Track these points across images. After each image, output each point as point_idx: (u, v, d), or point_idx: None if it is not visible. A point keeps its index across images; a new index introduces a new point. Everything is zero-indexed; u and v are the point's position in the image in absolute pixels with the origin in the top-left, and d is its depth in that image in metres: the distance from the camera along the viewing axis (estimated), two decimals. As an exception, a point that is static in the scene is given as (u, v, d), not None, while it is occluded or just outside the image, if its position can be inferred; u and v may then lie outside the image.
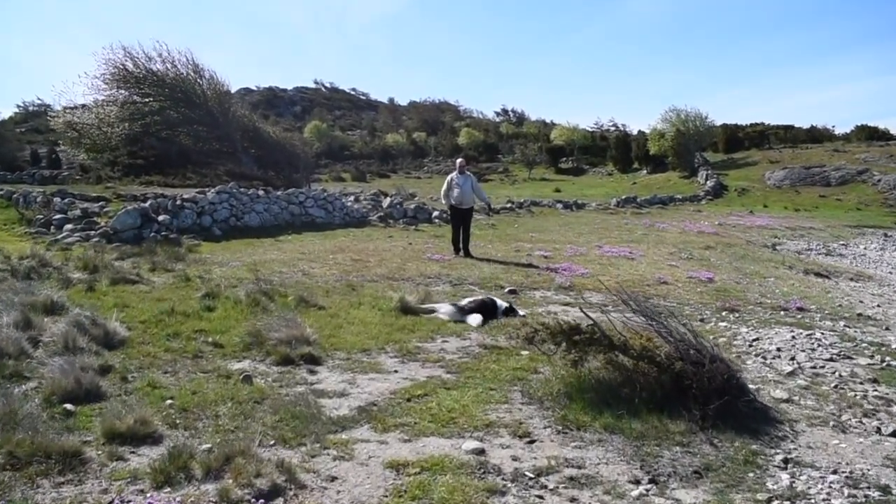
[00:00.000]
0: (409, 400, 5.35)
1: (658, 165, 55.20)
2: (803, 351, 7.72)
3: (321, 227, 20.18)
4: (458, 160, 15.14)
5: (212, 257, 13.87)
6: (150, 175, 32.61)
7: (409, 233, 19.48)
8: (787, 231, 25.91)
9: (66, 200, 20.03)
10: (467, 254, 14.57)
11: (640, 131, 66.36)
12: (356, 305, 9.22)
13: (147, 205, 17.79)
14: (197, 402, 5.17)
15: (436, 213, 22.69)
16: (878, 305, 11.45)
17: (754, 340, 8.10)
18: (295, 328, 6.98)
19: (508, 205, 28.36)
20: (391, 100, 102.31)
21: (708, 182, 46.02)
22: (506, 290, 10.77)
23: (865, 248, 24.18)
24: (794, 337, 8.26)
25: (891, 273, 18.43)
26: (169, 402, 5.17)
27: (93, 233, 16.01)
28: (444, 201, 15.20)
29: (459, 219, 14.73)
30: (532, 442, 4.57)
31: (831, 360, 7.36)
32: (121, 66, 34.59)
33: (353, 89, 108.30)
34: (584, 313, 5.20)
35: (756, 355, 7.37)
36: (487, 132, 75.32)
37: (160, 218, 17.26)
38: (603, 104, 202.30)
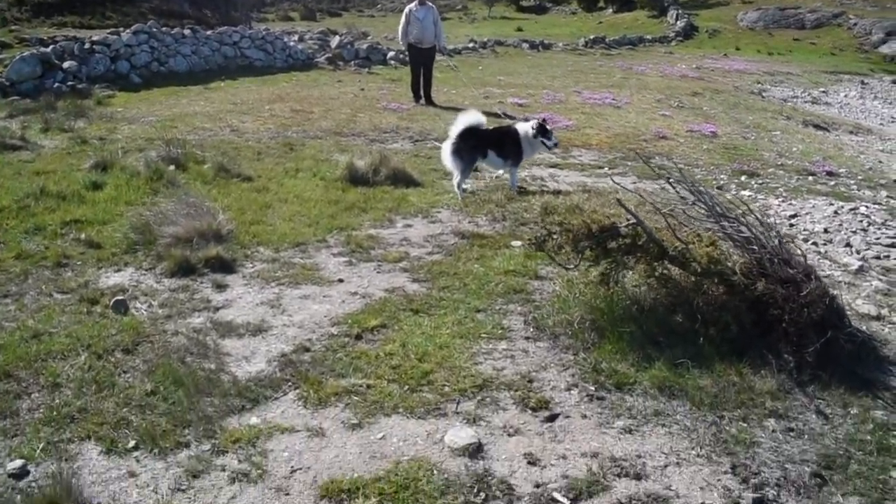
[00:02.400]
0: (358, 337, 3.62)
1: (625, 4, 51.90)
2: (855, 233, 6.18)
3: (260, 71, 17.47)
4: (417, -13, 12.56)
5: (124, 111, 11.45)
6: (63, 15, 28.49)
7: (361, 76, 16.96)
8: (766, 76, 24.21)
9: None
10: (429, 101, 12.42)
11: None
12: (292, 173, 7.26)
13: (49, 49, 14.84)
14: (33, 356, 3.36)
15: (391, 54, 20.03)
16: (899, 165, 9.97)
17: (792, 217, 6.51)
18: (202, 216, 5.06)
19: (471, 45, 25.60)
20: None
21: (678, 22, 43.45)
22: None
23: (846, 96, 22.93)
24: (836, 213, 6.70)
25: (882, 125, 17.12)
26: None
27: (-18, 83, 13.23)
28: (401, 40, 12.73)
29: (419, 60, 12.38)
30: (553, 419, 2.94)
31: (893, 245, 5.85)
32: None
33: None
34: (623, 205, 3.40)
35: (803, 240, 5.80)
36: (444, -36, 69.69)
37: (66, 65, 14.38)
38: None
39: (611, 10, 52.74)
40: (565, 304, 3.73)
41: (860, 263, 5.19)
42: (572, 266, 3.69)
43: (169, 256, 4.61)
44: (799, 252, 3.58)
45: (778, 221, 6.25)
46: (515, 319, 3.83)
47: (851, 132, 14.07)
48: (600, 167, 8.17)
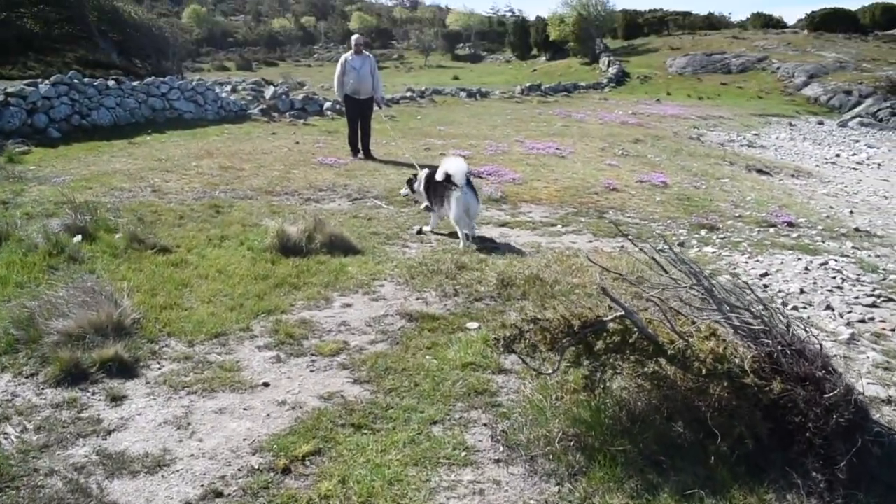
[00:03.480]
0: (286, 471, 2.85)
1: (557, 52, 53.38)
2: (831, 291, 5.77)
3: (190, 124, 16.59)
4: (354, 37, 11.97)
5: (37, 169, 10.43)
6: (-18, 66, 27.01)
7: (296, 128, 16.28)
8: (700, 121, 24.65)
9: None
10: (368, 155, 11.81)
11: (538, 17, 63.99)
12: (216, 242, 6.47)
13: (-45, 102, 13.70)
14: None
15: (328, 105, 19.46)
16: (851, 212, 9.81)
17: (764, 276, 6.07)
18: (101, 304, 4.23)
19: (409, 94, 25.30)
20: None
21: (610, 69, 44.71)
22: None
23: (777, 138, 23.59)
24: (807, 269, 6.31)
25: (818, 167, 17.36)
26: None
27: None
28: (336, 91, 12.13)
29: (357, 111, 11.78)
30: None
31: (874, 305, 5.45)
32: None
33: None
34: (609, 296, 2.78)
35: (782, 304, 5.33)
36: (380, 17, 70.59)
37: (-24, 119, 13.32)
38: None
39: (544, 58, 53.99)
40: (541, 415, 3.05)
41: (850, 332, 4.72)
42: (551, 371, 3.04)
43: (55, 359, 3.75)
44: (809, 337, 3.03)
45: (750, 281, 5.80)
46: (481, 434, 3.13)
47: (793, 176, 14.09)
48: (553, 224, 7.64)
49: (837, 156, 20.68)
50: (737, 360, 2.82)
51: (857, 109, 31.03)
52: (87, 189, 8.91)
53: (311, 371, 3.83)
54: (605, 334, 2.73)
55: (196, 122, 16.79)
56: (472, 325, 4.38)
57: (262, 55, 56.00)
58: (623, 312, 2.74)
